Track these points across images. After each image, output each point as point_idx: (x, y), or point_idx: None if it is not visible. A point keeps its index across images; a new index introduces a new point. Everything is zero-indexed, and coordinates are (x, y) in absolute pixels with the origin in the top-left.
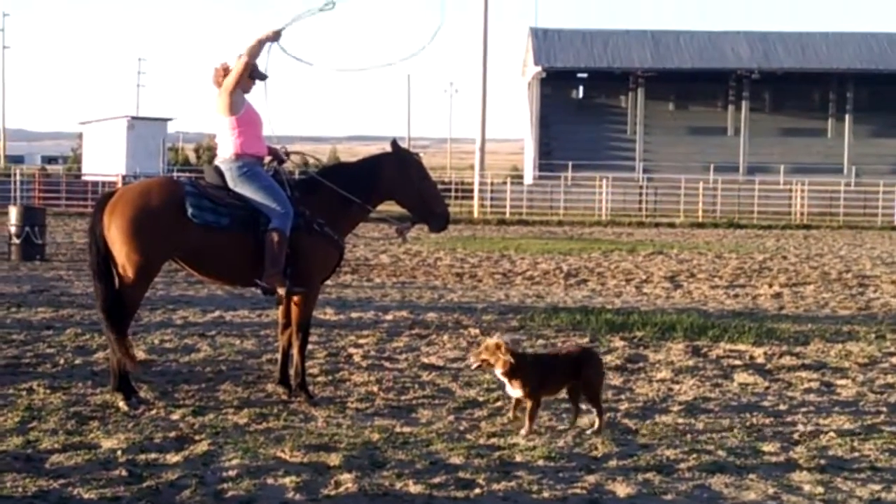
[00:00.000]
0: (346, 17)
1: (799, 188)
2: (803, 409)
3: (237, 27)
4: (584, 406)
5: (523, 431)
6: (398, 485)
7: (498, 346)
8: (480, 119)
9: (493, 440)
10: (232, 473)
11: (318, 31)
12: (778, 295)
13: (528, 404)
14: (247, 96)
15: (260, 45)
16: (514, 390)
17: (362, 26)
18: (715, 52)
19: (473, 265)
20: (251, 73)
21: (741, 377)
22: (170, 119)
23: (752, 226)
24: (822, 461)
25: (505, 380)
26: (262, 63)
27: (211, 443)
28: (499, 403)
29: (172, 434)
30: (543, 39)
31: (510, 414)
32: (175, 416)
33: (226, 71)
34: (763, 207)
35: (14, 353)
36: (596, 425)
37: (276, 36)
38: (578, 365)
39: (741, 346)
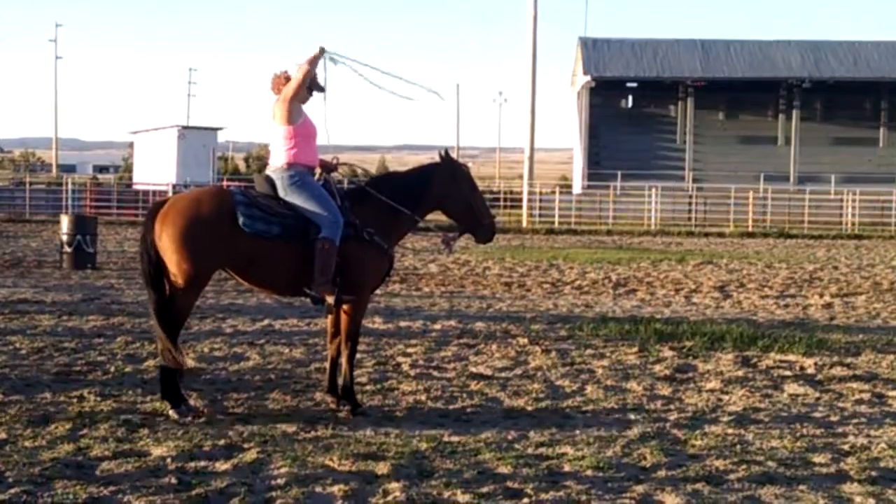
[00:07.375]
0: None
1: (850, 198)
2: (854, 421)
3: (287, 38)
4: None
5: None
6: (446, 494)
7: None
8: (529, 128)
9: (542, 450)
10: (280, 482)
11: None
12: (828, 305)
13: None
14: (304, 107)
15: (316, 59)
16: None
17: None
18: (765, 61)
19: (522, 274)
20: (310, 85)
21: (791, 388)
22: (220, 128)
23: (802, 236)
24: (874, 473)
25: None
26: (320, 76)
27: (260, 451)
28: (547, 413)
29: (222, 442)
30: (593, 49)
31: None
32: (224, 424)
33: (287, 79)
34: (814, 217)
35: (65, 360)
36: None
37: (322, 52)
38: None
39: (791, 357)
